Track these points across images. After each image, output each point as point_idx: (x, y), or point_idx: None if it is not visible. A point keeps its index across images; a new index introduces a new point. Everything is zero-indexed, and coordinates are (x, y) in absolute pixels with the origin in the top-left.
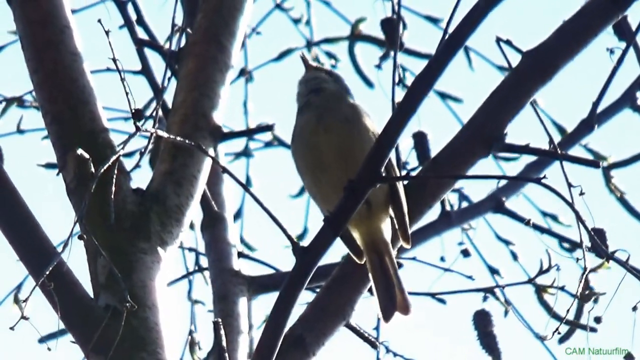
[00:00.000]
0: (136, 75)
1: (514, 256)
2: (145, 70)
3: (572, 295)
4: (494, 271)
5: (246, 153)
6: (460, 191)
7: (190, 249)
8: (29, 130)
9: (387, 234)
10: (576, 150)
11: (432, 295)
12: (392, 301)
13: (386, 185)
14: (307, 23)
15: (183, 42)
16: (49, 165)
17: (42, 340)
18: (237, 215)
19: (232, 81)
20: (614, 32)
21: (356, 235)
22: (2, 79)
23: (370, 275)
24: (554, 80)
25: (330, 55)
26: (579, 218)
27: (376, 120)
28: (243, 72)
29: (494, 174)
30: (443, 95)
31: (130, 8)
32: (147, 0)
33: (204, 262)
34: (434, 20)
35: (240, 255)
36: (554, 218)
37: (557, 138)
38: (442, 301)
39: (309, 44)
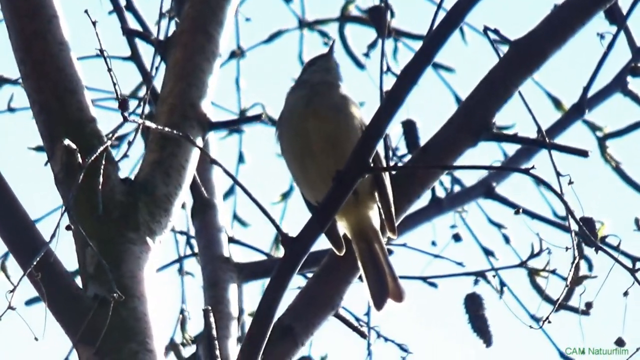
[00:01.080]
0: (125, 62)
1: (506, 239)
2: (135, 57)
3: (563, 278)
4: (488, 252)
5: (238, 129)
6: (452, 175)
7: (182, 232)
8: (20, 108)
9: (376, 221)
10: (576, 125)
11: (424, 279)
12: (384, 289)
13: (372, 175)
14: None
15: (172, 30)
16: (39, 149)
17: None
18: (229, 192)
19: (223, 63)
20: (605, 16)
21: (344, 224)
22: None
23: (359, 264)
24: (544, 67)
25: (323, 33)
26: (567, 207)
27: (364, 110)
28: (234, 52)
29: (484, 160)
30: (435, 65)
31: None
32: None
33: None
34: None
35: (231, 240)
36: None
37: (551, 119)
38: (434, 285)
39: (301, 24)
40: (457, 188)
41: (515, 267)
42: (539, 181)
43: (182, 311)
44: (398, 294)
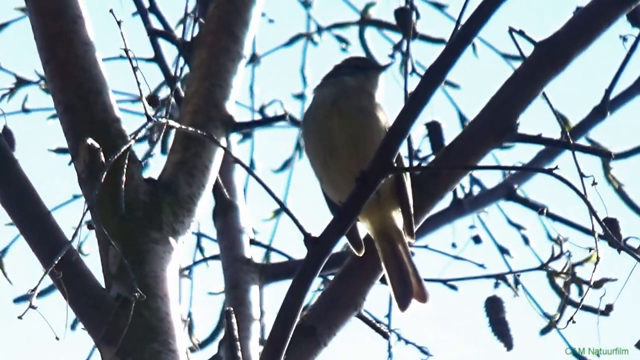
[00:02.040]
0: (149, 63)
1: (526, 241)
2: (158, 58)
3: (584, 281)
4: (504, 251)
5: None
6: (472, 176)
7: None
8: (35, 109)
9: (399, 222)
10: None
11: (444, 281)
12: (408, 289)
13: (394, 176)
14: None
15: (195, 32)
16: (59, 150)
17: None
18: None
19: None
20: (627, 18)
21: (366, 224)
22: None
23: (383, 264)
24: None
25: (341, 39)
26: (590, 209)
27: (388, 113)
28: (253, 58)
29: (506, 162)
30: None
31: None
32: None
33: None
34: (440, 7)
35: (252, 242)
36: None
37: (575, 121)
38: (454, 287)
39: (320, 29)
40: (476, 189)
41: (536, 269)
42: (562, 181)
43: (189, 315)
44: (422, 295)
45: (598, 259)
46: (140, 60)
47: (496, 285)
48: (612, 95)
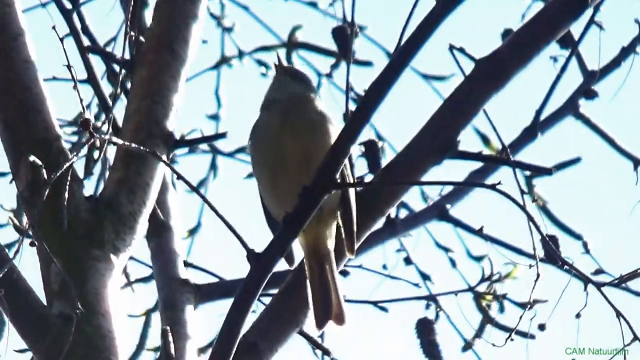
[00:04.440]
0: (82, 84)
1: (453, 263)
2: (91, 79)
3: (515, 303)
4: (425, 277)
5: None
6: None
7: None
8: None
9: (331, 242)
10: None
11: (374, 303)
12: (328, 309)
13: (339, 191)
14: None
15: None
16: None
17: None
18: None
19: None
20: (557, 41)
21: (300, 240)
22: None
23: (308, 281)
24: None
25: (261, 63)
26: (533, 223)
27: (335, 121)
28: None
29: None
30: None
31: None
32: (90, 10)
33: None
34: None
35: (187, 264)
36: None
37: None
38: (384, 309)
39: (241, 53)
40: (404, 213)
41: (464, 291)
42: (505, 196)
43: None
44: (340, 317)
45: (538, 275)
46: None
47: (427, 306)
48: (543, 116)
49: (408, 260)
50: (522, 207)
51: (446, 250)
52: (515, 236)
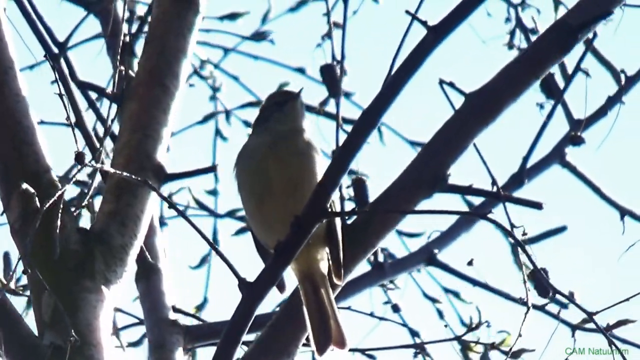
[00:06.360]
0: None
1: (440, 315)
2: (78, 122)
3: (503, 352)
4: (414, 334)
5: None
6: (387, 250)
7: None
8: None
9: (324, 266)
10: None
11: (362, 351)
12: (327, 334)
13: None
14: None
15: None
16: None
17: None
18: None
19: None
20: (542, 90)
21: (292, 266)
22: None
23: (304, 307)
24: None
25: (248, 124)
26: (526, 254)
27: (320, 149)
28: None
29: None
30: None
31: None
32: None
33: None
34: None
35: (175, 310)
36: (456, 295)
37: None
38: (372, 357)
39: (227, 112)
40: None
41: (450, 340)
42: (498, 227)
43: None
44: (341, 341)
45: (529, 308)
46: (58, 125)
47: (415, 355)
48: (530, 163)
49: (396, 308)
50: (513, 236)
51: (433, 300)
52: (502, 281)
